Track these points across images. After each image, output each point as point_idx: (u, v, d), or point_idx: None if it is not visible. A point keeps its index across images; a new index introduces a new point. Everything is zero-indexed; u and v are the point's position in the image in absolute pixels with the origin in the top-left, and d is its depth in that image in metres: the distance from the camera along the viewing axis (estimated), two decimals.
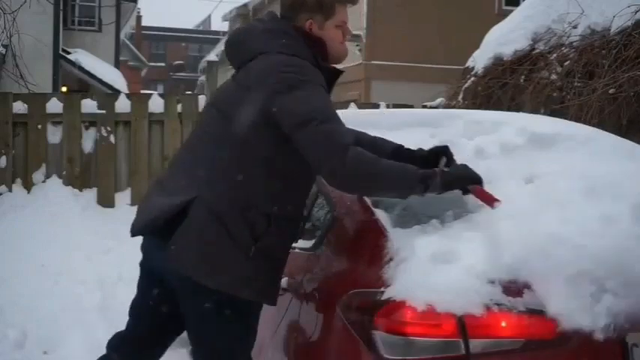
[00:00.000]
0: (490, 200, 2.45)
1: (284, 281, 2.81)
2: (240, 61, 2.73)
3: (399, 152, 2.77)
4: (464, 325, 2.16)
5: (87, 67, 17.23)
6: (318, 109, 2.50)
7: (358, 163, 2.41)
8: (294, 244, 2.81)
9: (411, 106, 7.04)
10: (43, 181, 7.26)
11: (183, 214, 2.54)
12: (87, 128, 7.42)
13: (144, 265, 2.82)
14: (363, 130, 2.89)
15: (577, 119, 5.17)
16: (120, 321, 2.91)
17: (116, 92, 12.08)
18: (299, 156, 2.51)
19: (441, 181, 2.45)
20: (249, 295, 2.58)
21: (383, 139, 2.87)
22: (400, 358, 2.21)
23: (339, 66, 2.79)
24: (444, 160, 2.68)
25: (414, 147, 2.81)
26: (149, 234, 2.71)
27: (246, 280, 2.55)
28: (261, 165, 2.56)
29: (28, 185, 7.22)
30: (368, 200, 2.70)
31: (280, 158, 2.57)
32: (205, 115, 2.84)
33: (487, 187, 2.51)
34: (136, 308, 2.88)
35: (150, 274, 2.78)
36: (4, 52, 9.73)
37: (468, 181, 2.51)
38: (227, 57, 2.84)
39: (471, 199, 2.52)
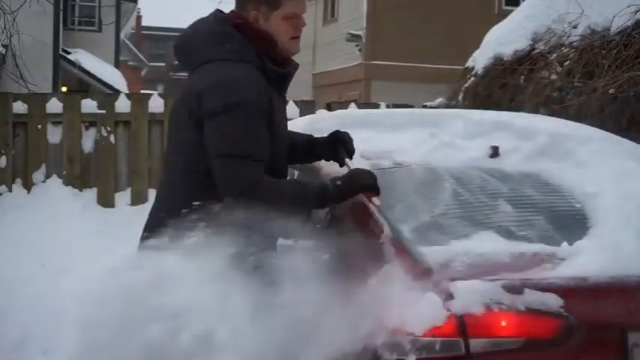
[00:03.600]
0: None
1: None
2: (190, 67, 2.67)
3: (309, 142, 2.88)
4: (464, 325, 2.16)
5: (87, 67, 17.21)
6: (237, 142, 2.49)
7: (262, 197, 2.46)
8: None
9: (411, 106, 7.02)
10: (43, 181, 7.24)
11: None
12: (87, 128, 7.40)
13: None
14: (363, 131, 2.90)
15: (577, 119, 5.17)
16: None
17: (116, 92, 12.04)
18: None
19: (333, 194, 2.55)
20: None
21: (298, 133, 2.93)
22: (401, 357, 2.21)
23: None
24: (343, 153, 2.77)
25: (413, 147, 2.89)
26: None
27: None
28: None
29: (28, 185, 7.21)
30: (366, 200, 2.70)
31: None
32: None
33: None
34: None
35: None
36: (4, 52, 9.71)
37: (359, 189, 2.58)
38: (177, 60, 2.77)
39: None
